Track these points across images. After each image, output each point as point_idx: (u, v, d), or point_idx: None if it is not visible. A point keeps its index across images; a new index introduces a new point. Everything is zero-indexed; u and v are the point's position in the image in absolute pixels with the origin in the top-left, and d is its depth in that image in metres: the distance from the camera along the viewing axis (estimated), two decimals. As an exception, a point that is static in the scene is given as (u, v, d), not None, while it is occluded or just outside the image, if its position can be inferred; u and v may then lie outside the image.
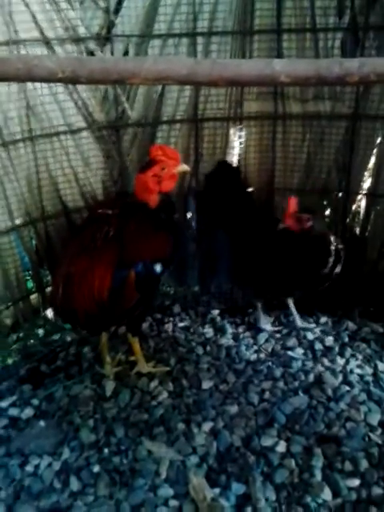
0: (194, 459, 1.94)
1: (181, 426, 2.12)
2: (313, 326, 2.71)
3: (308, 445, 2.00)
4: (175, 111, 2.58)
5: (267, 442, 2.02)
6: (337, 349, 2.55)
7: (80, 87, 2.41)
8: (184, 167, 2.12)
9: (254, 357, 2.52)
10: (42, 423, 2.16)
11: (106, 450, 2.02)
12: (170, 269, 2.24)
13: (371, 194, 2.60)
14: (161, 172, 2.08)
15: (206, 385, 2.33)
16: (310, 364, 2.46)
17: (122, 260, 2.06)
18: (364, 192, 2.63)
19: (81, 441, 2.07)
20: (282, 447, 1.99)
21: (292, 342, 2.61)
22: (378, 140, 2.50)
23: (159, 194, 2.12)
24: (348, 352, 2.52)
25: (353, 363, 2.44)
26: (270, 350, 2.58)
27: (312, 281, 2.46)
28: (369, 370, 2.39)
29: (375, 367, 2.40)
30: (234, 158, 2.69)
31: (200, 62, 1.19)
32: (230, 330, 2.75)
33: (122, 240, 2.08)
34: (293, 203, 2.28)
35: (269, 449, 1.99)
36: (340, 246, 2.43)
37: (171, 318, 2.87)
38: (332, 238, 2.40)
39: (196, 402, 2.24)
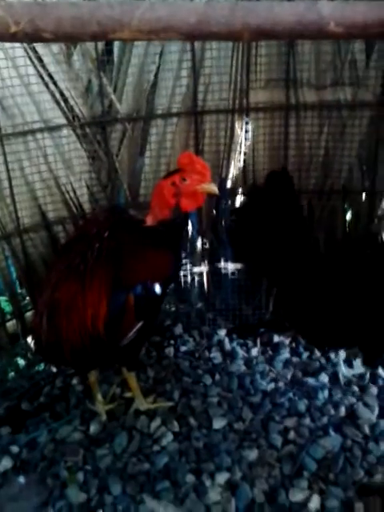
0: (208, 522, 1.59)
1: (190, 478, 1.77)
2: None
3: (346, 498, 1.66)
4: (171, 103, 2.23)
5: (297, 496, 1.68)
6: (368, 374, 2.18)
7: (57, 76, 2.06)
8: (211, 188, 1.74)
9: (271, 386, 2.16)
10: (21, 479, 1.80)
11: (99, 512, 1.65)
12: (169, 290, 1.88)
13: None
14: (180, 183, 1.73)
15: (218, 424, 1.97)
16: (338, 394, 2.10)
17: (118, 282, 1.70)
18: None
19: (69, 500, 1.72)
20: (315, 502, 1.65)
21: (314, 367, 2.25)
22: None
23: (173, 212, 1.78)
24: (382, 377, 2.15)
25: (389, 391, 2.08)
26: (289, 377, 2.21)
27: None
28: (409, 398, 2.04)
29: (417, 395, 2.05)
30: (240, 156, 2.32)
31: (215, 5, 0.84)
32: (240, 353, 2.39)
33: (117, 258, 1.72)
34: None
35: (300, 505, 1.65)
36: None
37: (172, 341, 2.50)
38: None
39: (207, 446, 1.88)
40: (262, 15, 0.84)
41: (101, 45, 2.08)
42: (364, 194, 2.30)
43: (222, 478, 1.75)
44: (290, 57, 2.12)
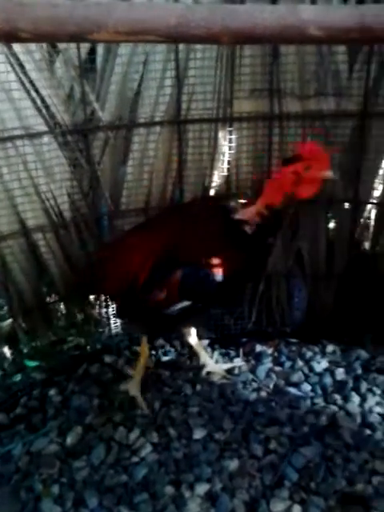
0: (187, 535, 1.55)
1: (169, 489, 1.74)
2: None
3: (327, 508, 1.64)
4: (154, 112, 2.21)
5: (278, 506, 1.66)
6: (350, 383, 2.18)
7: (39, 83, 2.03)
8: (330, 174, 1.76)
9: (253, 396, 2.14)
10: (-7, 492, 1.75)
11: (74, 527, 1.62)
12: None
13: (383, 204, 2.25)
14: (303, 172, 1.75)
15: (198, 434, 1.95)
16: (320, 403, 2.09)
17: (170, 253, 1.83)
18: (375, 201, 2.26)
19: (42, 514, 1.67)
20: (296, 512, 1.62)
21: (297, 376, 2.24)
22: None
23: (286, 200, 1.81)
24: (363, 386, 2.15)
25: (371, 400, 2.08)
26: (271, 386, 2.20)
27: None
28: (391, 407, 2.03)
29: (398, 404, 2.04)
30: (223, 165, 2.32)
31: (194, 7, 0.84)
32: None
33: (181, 233, 1.87)
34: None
35: (280, 515, 1.61)
36: None
37: (153, 352, 2.47)
38: None
39: (187, 457, 1.86)
40: (242, 18, 0.84)
41: (84, 52, 2.07)
42: (347, 203, 2.31)
43: (201, 489, 1.72)
44: (274, 67, 2.13)
